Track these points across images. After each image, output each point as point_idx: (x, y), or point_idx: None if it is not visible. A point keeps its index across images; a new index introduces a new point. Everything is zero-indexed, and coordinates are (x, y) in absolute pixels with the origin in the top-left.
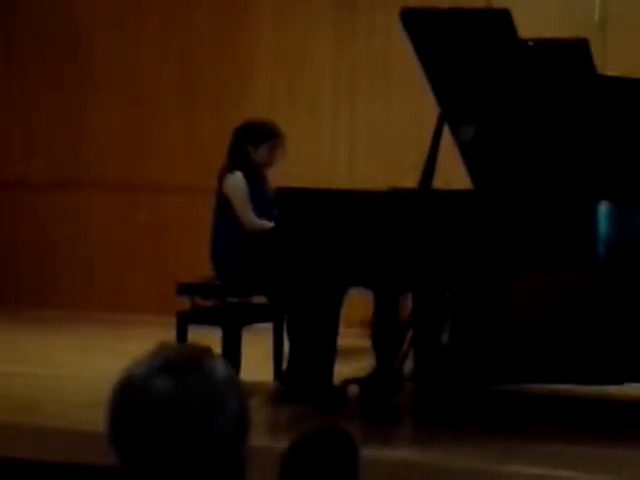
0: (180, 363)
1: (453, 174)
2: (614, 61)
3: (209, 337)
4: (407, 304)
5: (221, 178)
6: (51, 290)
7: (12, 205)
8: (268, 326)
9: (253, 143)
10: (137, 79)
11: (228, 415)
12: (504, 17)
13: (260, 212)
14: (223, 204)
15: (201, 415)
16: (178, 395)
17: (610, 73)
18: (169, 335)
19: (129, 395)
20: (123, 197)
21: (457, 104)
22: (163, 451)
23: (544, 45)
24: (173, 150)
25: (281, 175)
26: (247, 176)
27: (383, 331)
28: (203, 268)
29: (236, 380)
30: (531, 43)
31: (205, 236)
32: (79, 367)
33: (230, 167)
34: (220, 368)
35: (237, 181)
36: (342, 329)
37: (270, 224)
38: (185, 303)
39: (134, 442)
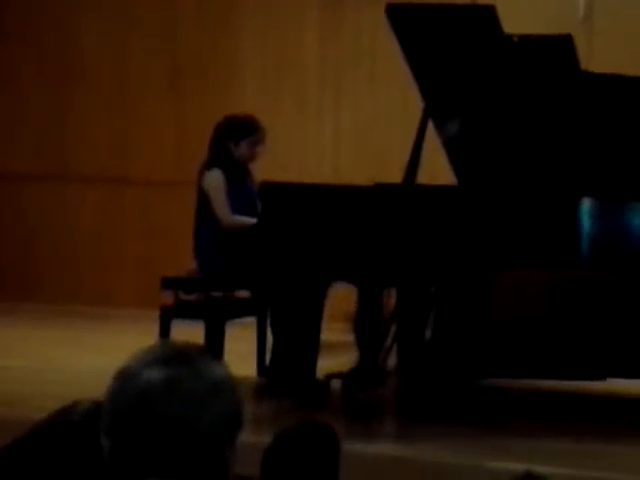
0: (174, 358)
1: (438, 169)
2: (599, 57)
3: (192, 331)
4: (391, 299)
5: (200, 174)
6: (36, 284)
7: None
8: (252, 320)
9: (233, 139)
10: (124, 72)
11: (214, 414)
12: (489, 13)
13: (243, 207)
14: (203, 199)
15: (186, 409)
16: (165, 387)
17: (595, 69)
18: (153, 329)
19: (120, 384)
20: (109, 190)
21: (442, 99)
22: (146, 441)
23: (529, 41)
24: (160, 144)
25: (266, 170)
26: (228, 172)
27: (366, 326)
28: (189, 262)
29: (230, 382)
30: (516, 39)
31: (191, 230)
32: (63, 360)
33: (210, 164)
34: (215, 368)
35: (215, 178)
36: (325, 323)
37: (249, 220)
38: (169, 297)
39: (121, 430)
